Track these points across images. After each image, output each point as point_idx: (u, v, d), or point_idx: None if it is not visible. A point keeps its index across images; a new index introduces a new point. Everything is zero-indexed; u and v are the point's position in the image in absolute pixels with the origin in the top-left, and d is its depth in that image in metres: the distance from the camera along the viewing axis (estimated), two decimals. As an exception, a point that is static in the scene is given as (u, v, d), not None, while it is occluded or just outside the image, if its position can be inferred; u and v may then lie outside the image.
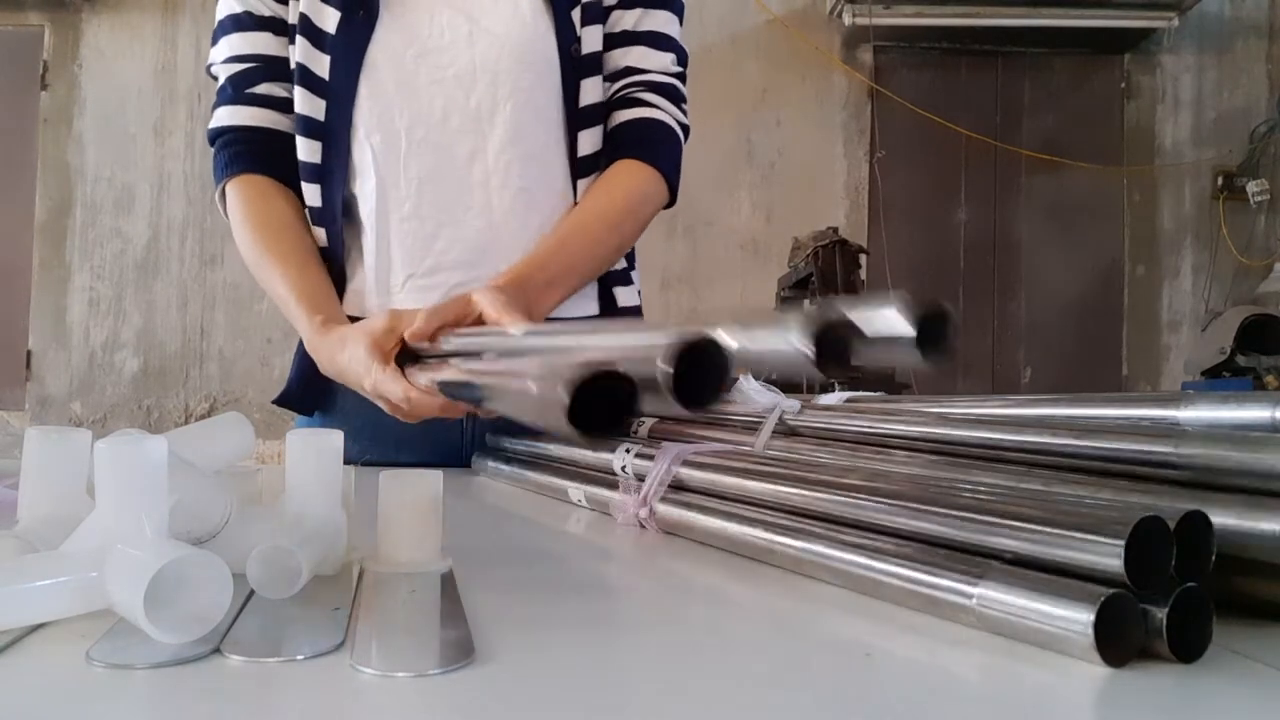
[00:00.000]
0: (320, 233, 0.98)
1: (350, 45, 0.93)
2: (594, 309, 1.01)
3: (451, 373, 0.62)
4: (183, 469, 0.41)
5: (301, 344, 1.00)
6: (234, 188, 0.96)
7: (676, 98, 1.02)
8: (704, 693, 0.31)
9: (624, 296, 1.03)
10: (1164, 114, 4.16)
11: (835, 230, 2.56)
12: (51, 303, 4.13)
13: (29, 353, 4.12)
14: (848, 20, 3.84)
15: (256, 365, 4.08)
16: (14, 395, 4.11)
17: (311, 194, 0.96)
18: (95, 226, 4.12)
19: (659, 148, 0.99)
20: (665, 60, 1.01)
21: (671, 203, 1.02)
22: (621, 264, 1.03)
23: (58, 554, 0.38)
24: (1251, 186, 4.01)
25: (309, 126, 0.95)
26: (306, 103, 0.94)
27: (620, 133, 0.99)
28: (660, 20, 1.01)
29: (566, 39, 0.96)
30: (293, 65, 0.94)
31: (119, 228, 4.12)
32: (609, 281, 1.02)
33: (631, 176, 0.97)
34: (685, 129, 1.03)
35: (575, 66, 0.97)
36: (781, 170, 4.10)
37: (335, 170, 0.95)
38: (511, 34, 0.94)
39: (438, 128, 0.94)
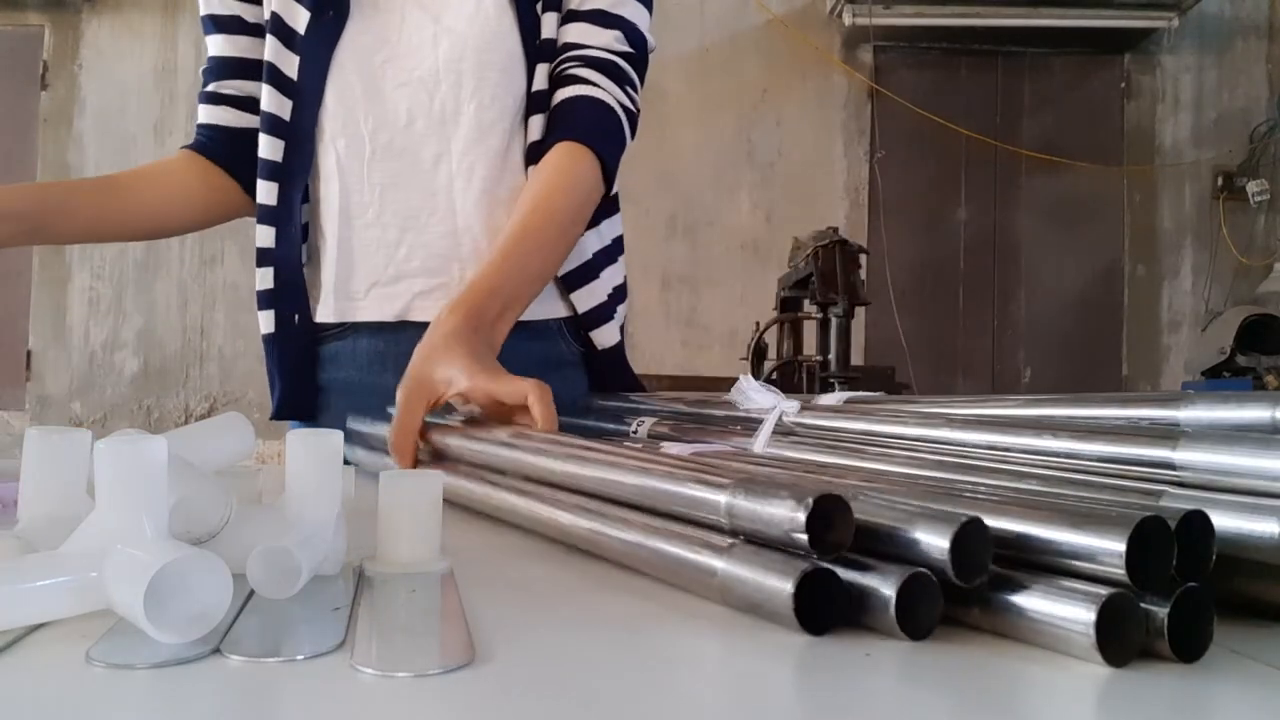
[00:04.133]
0: (269, 232, 0.97)
1: (319, 46, 0.93)
2: (561, 310, 0.99)
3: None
4: (183, 469, 0.41)
5: (274, 350, 0.99)
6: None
7: (620, 77, 0.93)
8: (705, 692, 0.31)
9: (603, 337, 1.00)
10: (1164, 114, 4.16)
11: (835, 230, 2.56)
12: (51, 303, 4.13)
13: (29, 353, 4.12)
14: (848, 20, 3.84)
15: (256, 365, 4.08)
16: (14, 395, 4.11)
17: (267, 192, 0.96)
18: (95, 226, 4.12)
19: (591, 126, 0.91)
20: (607, 37, 0.94)
21: (607, 190, 0.94)
22: (601, 297, 1.00)
23: (58, 554, 0.38)
24: (1251, 186, 4.01)
25: (273, 125, 0.94)
26: (273, 101, 0.94)
27: (554, 114, 0.93)
28: (607, 0, 0.95)
29: (531, 33, 0.94)
30: (263, 63, 0.95)
31: (119, 228, 4.12)
32: (586, 324, 0.99)
33: (560, 163, 0.89)
34: (630, 113, 0.94)
35: (535, 55, 0.94)
36: (781, 170, 4.10)
37: (296, 171, 0.95)
38: (473, 32, 0.92)
39: (403, 132, 0.93)
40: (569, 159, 0.89)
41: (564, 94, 0.93)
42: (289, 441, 0.45)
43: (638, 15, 0.96)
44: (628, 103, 0.94)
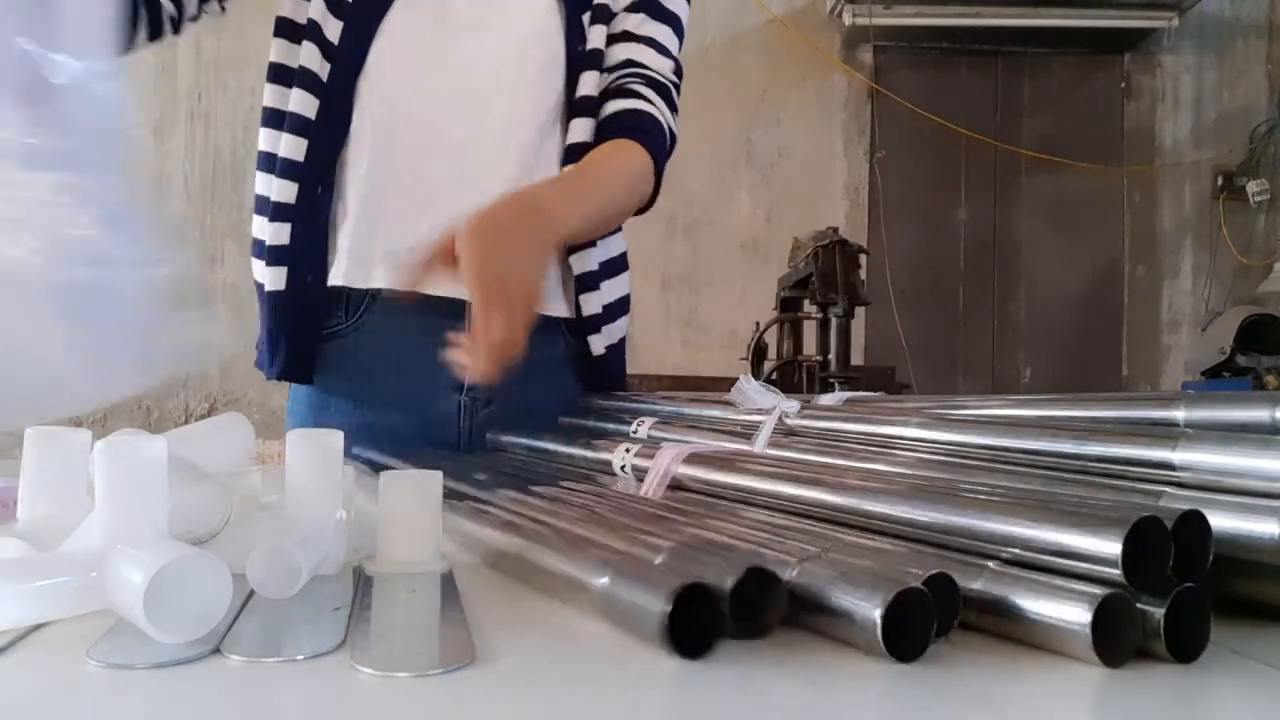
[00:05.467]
0: (289, 188, 0.96)
1: (367, 16, 0.95)
2: (564, 311, 1.01)
3: None
4: (183, 469, 0.41)
5: (280, 307, 0.97)
6: None
7: (671, 102, 1.00)
8: (705, 691, 0.31)
9: (597, 344, 1.02)
10: (1164, 114, 4.15)
11: (835, 230, 2.56)
12: (51, 303, 4.13)
13: (29, 352, 4.12)
14: (848, 20, 3.83)
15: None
16: (14, 395, 4.11)
17: (295, 147, 0.96)
18: (95, 226, 4.12)
19: (652, 136, 0.97)
20: (665, 65, 1.01)
21: (650, 204, 0.99)
22: (604, 303, 1.02)
23: (58, 554, 0.39)
24: (1251, 186, 4.01)
25: (310, 81, 0.95)
26: (313, 59, 0.95)
27: (614, 119, 0.97)
28: (663, 32, 1.01)
29: (574, 38, 0.97)
30: (304, 20, 0.96)
31: (119, 228, 4.12)
32: (588, 328, 1.01)
33: (627, 149, 0.94)
34: (674, 138, 1.01)
35: (579, 61, 0.98)
36: (781, 170, 4.09)
37: (330, 131, 0.96)
38: (520, 27, 0.96)
39: (437, 110, 0.95)
40: (629, 146, 0.94)
41: (626, 104, 0.97)
42: (289, 441, 0.45)
43: (678, 49, 1.03)
44: (673, 125, 1.00)
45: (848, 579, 0.33)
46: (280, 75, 0.97)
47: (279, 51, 0.98)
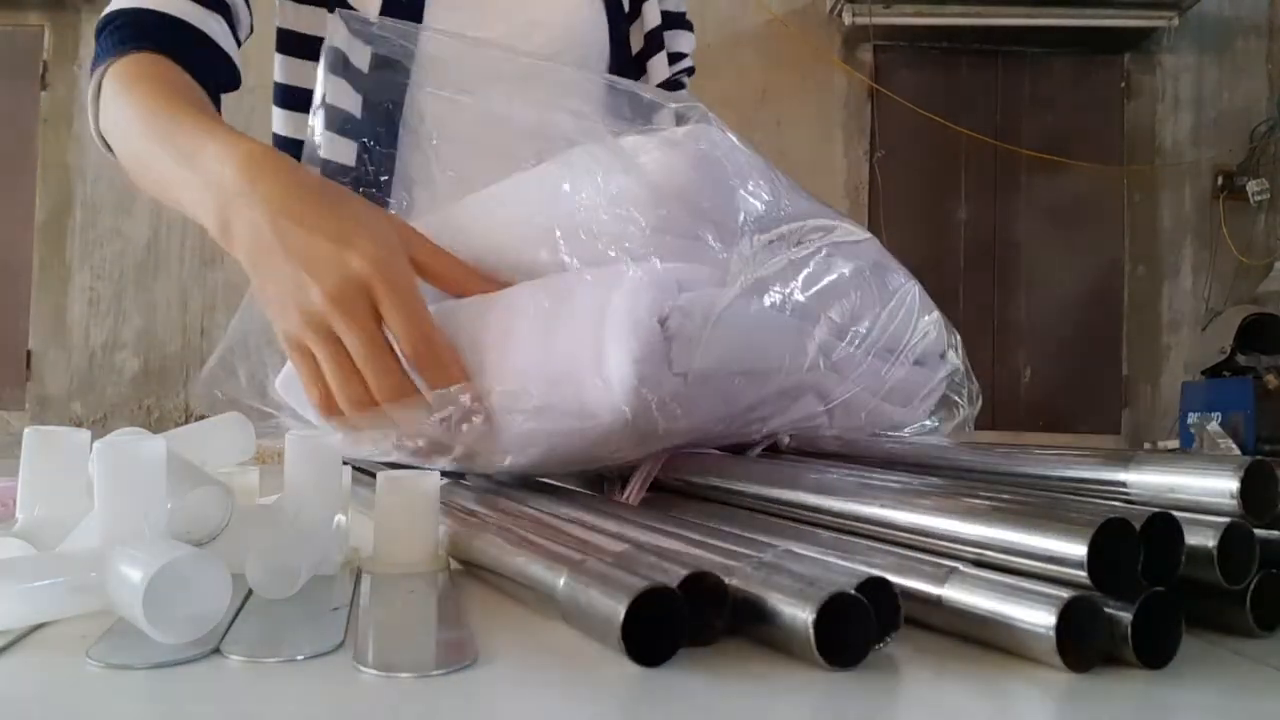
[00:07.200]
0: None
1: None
2: None
3: None
4: (183, 469, 0.41)
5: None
6: (126, 64, 0.71)
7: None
8: (704, 691, 0.31)
9: None
10: (1164, 114, 4.16)
11: (835, 230, 2.56)
12: (51, 303, 4.13)
13: (29, 353, 4.12)
14: (848, 20, 3.84)
15: (256, 365, 4.08)
16: (14, 395, 4.11)
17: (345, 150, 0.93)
18: (95, 226, 4.12)
19: None
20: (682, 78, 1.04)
21: None
22: None
23: (58, 554, 0.39)
24: (1251, 186, 4.01)
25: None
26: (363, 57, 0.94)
27: None
28: (682, 41, 1.04)
29: (621, 43, 0.98)
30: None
31: (119, 228, 4.12)
32: None
33: None
34: None
35: (633, 69, 0.99)
36: (781, 170, 4.10)
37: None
38: (567, 25, 0.96)
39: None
40: None
41: None
42: (288, 442, 0.45)
43: (692, 48, 1.05)
44: None
45: (783, 584, 0.33)
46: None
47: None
